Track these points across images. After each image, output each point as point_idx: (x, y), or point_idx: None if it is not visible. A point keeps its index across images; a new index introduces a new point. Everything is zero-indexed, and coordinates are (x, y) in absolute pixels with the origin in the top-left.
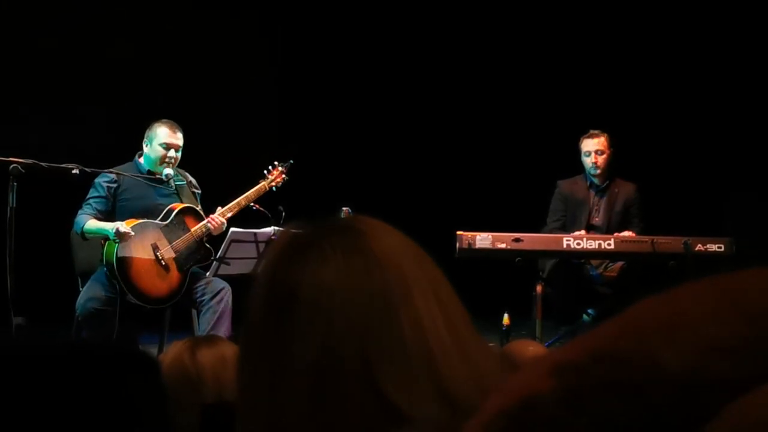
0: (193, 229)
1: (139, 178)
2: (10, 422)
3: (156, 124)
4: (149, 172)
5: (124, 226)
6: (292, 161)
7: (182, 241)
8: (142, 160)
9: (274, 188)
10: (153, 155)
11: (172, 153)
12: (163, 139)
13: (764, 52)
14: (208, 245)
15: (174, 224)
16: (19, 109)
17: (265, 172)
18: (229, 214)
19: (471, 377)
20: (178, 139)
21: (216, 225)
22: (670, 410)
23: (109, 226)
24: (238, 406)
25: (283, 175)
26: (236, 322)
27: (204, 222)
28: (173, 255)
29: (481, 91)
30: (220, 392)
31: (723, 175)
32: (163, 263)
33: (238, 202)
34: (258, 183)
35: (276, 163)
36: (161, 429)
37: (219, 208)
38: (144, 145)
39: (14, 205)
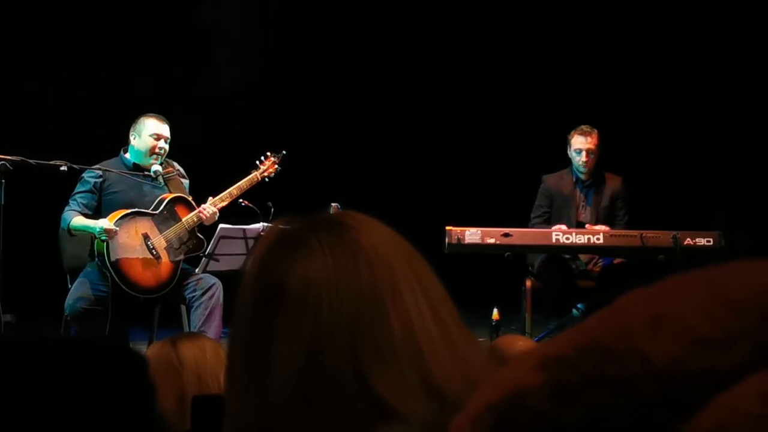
0: (184, 219)
1: (126, 175)
2: None
3: (143, 117)
4: (136, 165)
5: (108, 223)
6: (285, 152)
7: (173, 230)
8: (128, 155)
9: (266, 179)
10: (143, 147)
11: (162, 144)
12: (152, 129)
13: (750, 44)
14: (200, 235)
15: (165, 214)
16: (9, 107)
17: (257, 162)
18: (221, 204)
19: (460, 372)
20: (166, 130)
21: (207, 215)
22: (659, 403)
23: (95, 224)
24: (226, 400)
25: (276, 166)
26: (227, 318)
27: (195, 212)
28: (165, 244)
29: (470, 86)
30: (199, 381)
31: (711, 168)
32: (155, 253)
33: (229, 192)
34: (250, 173)
35: (268, 153)
36: (149, 424)
37: (210, 198)
38: (131, 138)
39: (2, 203)
